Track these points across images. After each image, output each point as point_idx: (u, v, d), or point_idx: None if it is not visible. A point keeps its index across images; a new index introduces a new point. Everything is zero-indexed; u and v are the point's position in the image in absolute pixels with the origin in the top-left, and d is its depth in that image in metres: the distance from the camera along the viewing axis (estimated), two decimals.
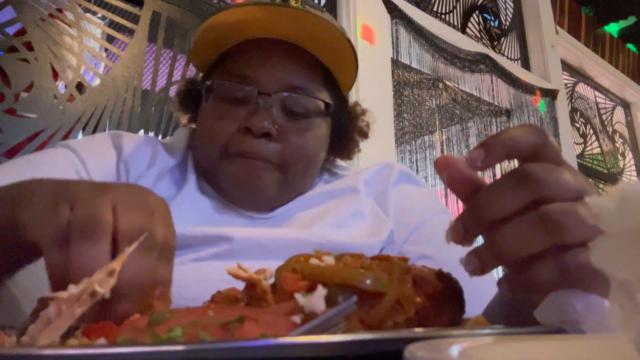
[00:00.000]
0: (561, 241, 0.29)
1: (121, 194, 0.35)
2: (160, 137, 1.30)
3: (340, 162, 0.81)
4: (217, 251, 0.59)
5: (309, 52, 0.67)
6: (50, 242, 0.33)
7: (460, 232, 0.32)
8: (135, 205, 0.35)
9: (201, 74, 0.75)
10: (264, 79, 0.64)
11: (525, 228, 0.29)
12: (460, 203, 0.35)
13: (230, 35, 0.67)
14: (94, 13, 1.29)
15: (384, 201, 0.71)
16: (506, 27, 2.62)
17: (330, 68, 0.69)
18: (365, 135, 0.78)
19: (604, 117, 3.35)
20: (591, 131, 3.14)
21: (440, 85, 2.03)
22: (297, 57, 0.66)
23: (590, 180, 2.87)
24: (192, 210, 0.63)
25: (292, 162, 0.64)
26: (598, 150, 3.12)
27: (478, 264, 0.31)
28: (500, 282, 0.33)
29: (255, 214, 0.67)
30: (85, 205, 0.33)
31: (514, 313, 0.39)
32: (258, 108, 0.63)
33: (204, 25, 0.66)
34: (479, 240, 0.33)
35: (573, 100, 3.07)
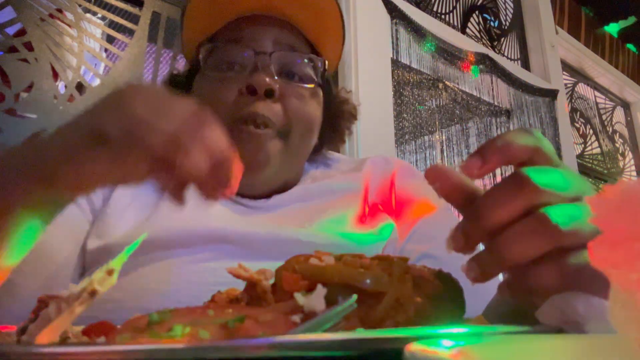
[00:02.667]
0: (560, 244, 0.29)
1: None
2: None
3: (333, 154, 0.81)
4: (216, 252, 0.59)
5: (297, 28, 0.67)
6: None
7: (461, 240, 0.32)
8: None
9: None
10: (260, 40, 0.64)
11: (524, 233, 0.29)
12: None
13: (222, 9, 0.66)
14: (94, 13, 1.29)
15: (386, 198, 0.71)
16: (506, 27, 2.62)
17: (318, 45, 0.70)
18: (354, 117, 0.78)
19: (604, 117, 3.34)
20: (591, 131, 3.14)
21: (440, 85, 2.03)
22: (288, 26, 0.67)
23: (590, 180, 2.87)
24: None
25: (294, 126, 0.64)
26: (598, 150, 3.12)
27: (479, 271, 0.31)
28: (501, 287, 0.33)
29: (251, 202, 0.66)
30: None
31: (514, 313, 0.39)
32: (257, 68, 0.62)
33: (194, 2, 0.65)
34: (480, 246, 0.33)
35: (573, 101, 3.07)
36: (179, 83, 0.72)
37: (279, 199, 0.67)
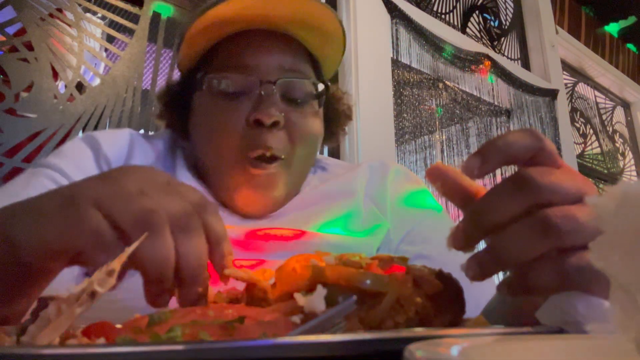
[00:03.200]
0: (560, 245, 0.29)
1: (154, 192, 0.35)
2: None
3: (329, 159, 0.81)
4: None
5: (297, 40, 0.67)
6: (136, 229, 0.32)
7: (461, 238, 0.32)
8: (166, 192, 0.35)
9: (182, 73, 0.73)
10: (263, 67, 0.64)
11: (524, 233, 0.29)
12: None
13: (223, 26, 0.65)
14: (94, 13, 1.29)
15: (381, 200, 0.71)
16: (506, 27, 2.62)
17: (318, 54, 0.70)
18: (349, 117, 0.78)
19: (604, 117, 3.34)
20: (591, 131, 3.14)
21: (440, 85, 2.03)
22: (289, 44, 0.67)
23: (590, 180, 2.87)
24: None
25: (298, 149, 0.64)
26: (598, 150, 3.12)
27: (478, 270, 0.31)
28: (500, 286, 0.33)
29: (250, 218, 0.67)
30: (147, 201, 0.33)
31: (514, 313, 0.39)
32: (262, 97, 0.62)
33: (200, 17, 0.64)
34: (480, 245, 0.33)
35: (573, 100, 3.07)
36: (176, 97, 0.72)
37: (279, 213, 0.67)
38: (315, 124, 0.67)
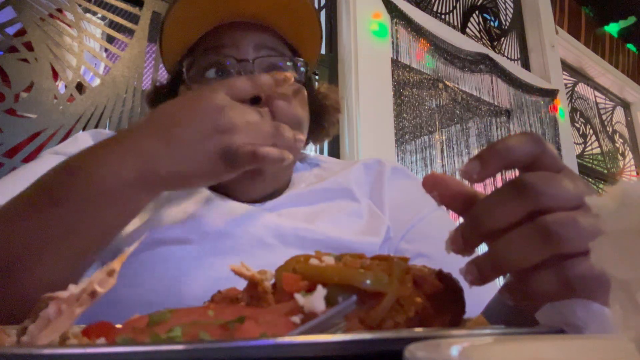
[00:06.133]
0: (560, 252, 0.29)
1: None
2: None
3: (322, 156, 0.82)
4: (216, 247, 0.59)
5: (272, 28, 0.68)
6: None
7: (460, 242, 0.32)
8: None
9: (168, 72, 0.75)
10: (241, 47, 0.65)
11: (524, 239, 0.29)
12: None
13: (201, 18, 0.66)
14: (94, 13, 1.29)
15: (379, 199, 0.71)
16: (506, 27, 2.62)
17: (294, 40, 0.71)
18: (338, 110, 0.79)
19: (604, 117, 3.35)
20: (591, 131, 3.14)
21: (440, 85, 2.03)
22: (265, 29, 0.68)
23: (590, 180, 2.87)
24: (184, 202, 0.63)
25: None
26: (598, 150, 3.12)
27: (477, 274, 0.31)
28: (501, 291, 0.33)
29: (248, 205, 0.66)
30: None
31: (514, 313, 0.39)
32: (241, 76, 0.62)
33: (174, 8, 0.65)
34: (480, 248, 0.33)
35: (573, 100, 3.07)
36: (163, 95, 0.72)
37: (274, 203, 0.67)
38: (299, 104, 0.67)
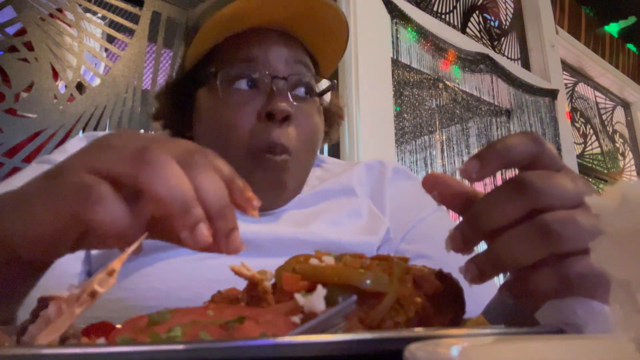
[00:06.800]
0: (560, 250, 0.29)
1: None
2: None
3: (323, 157, 0.82)
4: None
5: (299, 37, 0.68)
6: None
7: (459, 241, 0.32)
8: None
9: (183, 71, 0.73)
10: (273, 62, 0.64)
11: (523, 238, 0.29)
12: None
13: (235, 23, 0.66)
14: (94, 13, 1.29)
15: (380, 199, 0.71)
16: (506, 27, 2.61)
17: (317, 52, 0.71)
18: (341, 117, 0.80)
19: (604, 117, 3.34)
20: (591, 131, 3.14)
21: (440, 85, 2.03)
22: (294, 40, 0.68)
23: (590, 180, 2.87)
24: None
25: (304, 144, 0.65)
26: (598, 150, 3.12)
27: (477, 272, 0.31)
28: (501, 289, 0.33)
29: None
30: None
31: (514, 313, 0.39)
32: (274, 92, 0.62)
33: (212, 16, 0.63)
34: (480, 247, 0.33)
35: (573, 100, 3.07)
36: (178, 95, 0.71)
37: (278, 211, 0.68)
38: (317, 117, 0.68)
